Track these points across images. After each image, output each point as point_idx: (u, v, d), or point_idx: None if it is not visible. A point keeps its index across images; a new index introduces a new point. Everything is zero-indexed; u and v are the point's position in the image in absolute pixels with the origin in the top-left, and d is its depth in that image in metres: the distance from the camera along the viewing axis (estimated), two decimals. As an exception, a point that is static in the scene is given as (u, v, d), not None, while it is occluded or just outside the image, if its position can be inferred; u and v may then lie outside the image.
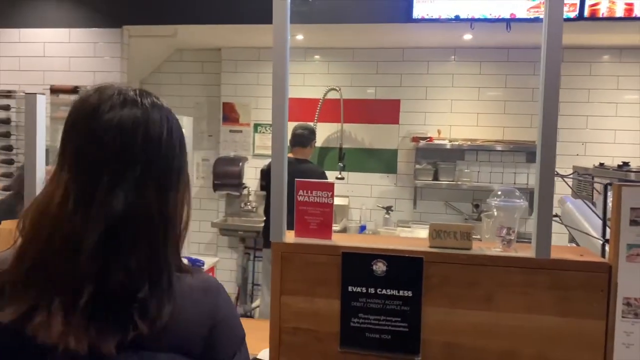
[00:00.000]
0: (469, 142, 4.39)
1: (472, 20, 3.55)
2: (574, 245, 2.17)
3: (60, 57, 4.21)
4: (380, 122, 4.65)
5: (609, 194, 1.45)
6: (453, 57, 4.55)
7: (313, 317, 1.43)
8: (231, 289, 4.73)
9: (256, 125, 4.86)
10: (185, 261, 0.87)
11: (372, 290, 1.39)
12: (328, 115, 4.64)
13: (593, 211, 1.97)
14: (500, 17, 3.50)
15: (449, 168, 4.44)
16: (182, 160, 0.85)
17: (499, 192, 1.46)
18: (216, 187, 4.64)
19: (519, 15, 3.48)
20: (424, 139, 4.42)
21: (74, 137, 0.79)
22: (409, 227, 4.40)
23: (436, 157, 4.51)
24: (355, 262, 1.40)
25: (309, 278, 1.43)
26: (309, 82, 4.71)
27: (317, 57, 4.75)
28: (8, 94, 4.21)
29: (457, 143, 4.38)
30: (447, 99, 4.55)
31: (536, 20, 3.39)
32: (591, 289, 1.31)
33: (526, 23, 3.48)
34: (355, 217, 4.69)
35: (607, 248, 1.42)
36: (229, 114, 4.89)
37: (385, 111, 4.64)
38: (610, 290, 1.30)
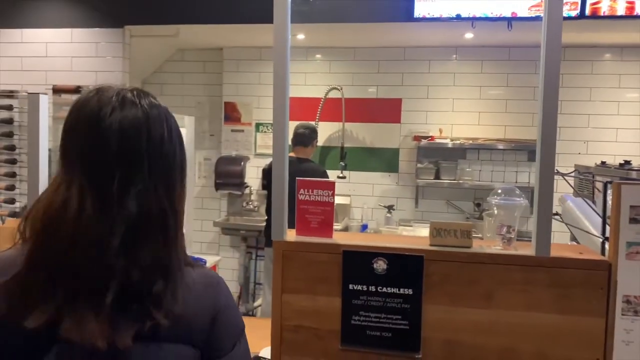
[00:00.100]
0: (470, 141, 4.40)
1: (473, 19, 3.55)
2: (574, 243, 2.18)
3: (63, 57, 4.23)
4: (382, 121, 4.66)
5: (609, 192, 1.45)
6: (454, 56, 4.55)
7: (314, 315, 1.44)
8: (233, 288, 4.74)
9: (258, 125, 4.87)
10: None
11: (372, 288, 1.40)
12: (329, 114, 4.65)
13: (593, 209, 1.98)
14: (501, 16, 3.50)
15: (450, 167, 4.44)
16: (183, 154, 0.88)
17: (500, 191, 1.46)
18: (218, 186, 4.66)
19: (520, 14, 3.48)
20: (425, 137, 4.43)
21: (77, 140, 0.81)
22: (411, 226, 4.40)
23: (438, 156, 4.51)
24: (356, 260, 1.41)
25: (310, 276, 1.44)
26: (311, 82, 4.72)
27: (318, 56, 4.75)
28: (11, 94, 4.22)
29: (458, 142, 4.38)
30: (449, 97, 4.55)
31: (537, 18, 3.39)
32: (591, 287, 1.32)
33: (527, 22, 3.48)
34: (357, 216, 4.70)
35: (606, 246, 1.43)
36: (231, 114, 4.90)
37: (386, 110, 4.64)
38: (610, 288, 1.31)
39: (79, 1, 4.18)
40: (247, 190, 4.78)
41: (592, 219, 1.94)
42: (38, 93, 1.72)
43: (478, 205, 4.43)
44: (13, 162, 4.21)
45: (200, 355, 0.85)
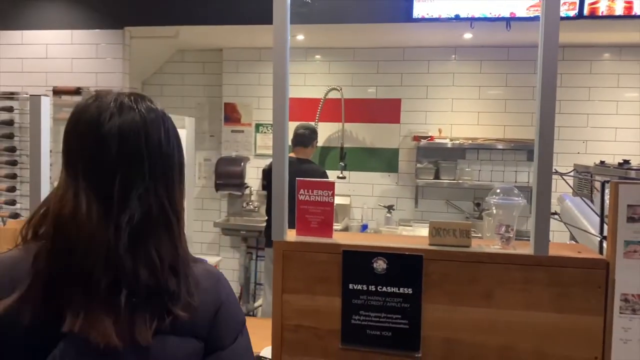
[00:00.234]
0: (470, 141, 4.40)
1: (472, 20, 3.56)
2: (573, 242, 2.18)
3: (63, 58, 4.24)
4: (381, 121, 4.67)
5: (607, 191, 1.46)
6: (453, 56, 4.56)
7: (314, 314, 1.45)
8: (234, 288, 4.69)
9: (258, 125, 4.88)
10: None
11: (372, 288, 1.41)
12: (329, 114, 4.66)
13: (591, 208, 1.99)
14: (500, 16, 3.51)
15: (450, 167, 4.45)
16: (181, 155, 0.91)
17: (498, 191, 1.47)
18: (218, 187, 4.66)
19: (518, 14, 3.49)
20: (425, 138, 4.43)
21: (78, 146, 0.84)
22: (411, 225, 4.41)
23: (437, 156, 4.52)
24: (356, 260, 1.42)
25: (310, 276, 1.45)
26: (310, 82, 4.73)
27: (317, 57, 4.76)
28: (11, 96, 4.23)
29: (458, 142, 4.39)
30: (448, 97, 4.56)
31: (536, 19, 3.38)
32: (589, 286, 1.33)
33: (526, 22, 3.49)
34: (357, 216, 4.71)
35: (604, 245, 1.44)
36: (231, 114, 4.91)
37: (386, 110, 4.65)
38: (607, 287, 1.32)
39: (79, 3, 4.19)
40: (247, 191, 4.79)
41: (590, 218, 1.95)
42: (40, 95, 1.73)
43: (478, 205, 4.44)
44: (14, 163, 4.22)
45: (204, 347, 0.88)
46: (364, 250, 1.42)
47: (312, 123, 4.33)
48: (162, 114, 0.89)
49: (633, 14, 3.39)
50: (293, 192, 1.49)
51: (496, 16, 3.51)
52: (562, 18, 3.42)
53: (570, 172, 2.61)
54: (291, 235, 1.51)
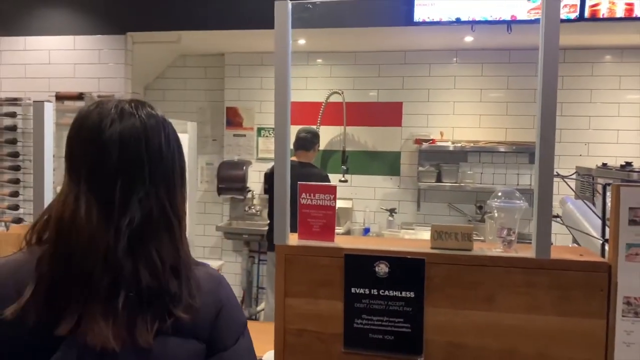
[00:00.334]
0: (471, 144, 4.40)
1: (473, 23, 3.56)
2: (575, 245, 2.18)
3: (65, 64, 4.26)
4: (383, 124, 4.67)
5: (608, 194, 1.46)
6: (455, 59, 4.57)
7: (317, 318, 1.45)
8: (236, 292, 4.73)
9: (260, 129, 4.89)
10: None
11: (374, 292, 1.41)
12: (331, 118, 4.67)
13: (593, 211, 1.98)
14: (500, 19, 3.52)
15: (452, 170, 4.45)
16: (182, 159, 0.93)
17: (500, 194, 1.47)
18: (220, 190, 4.67)
19: (519, 17, 3.49)
20: (426, 141, 4.44)
21: (80, 152, 0.85)
22: (413, 229, 4.41)
23: (439, 159, 4.52)
24: (358, 264, 1.42)
25: (312, 280, 1.45)
26: (312, 86, 4.74)
27: (319, 61, 4.78)
28: (14, 102, 4.25)
29: (459, 145, 4.39)
30: (449, 101, 4.56)
31: (536, 21, 3.37)
32: (591, 289, 1.33)
33: (527, 24, 3.49)
34: (359, 220, 4.71)
35: (606, 248, 1.44)
36: (233, 118, 4.93)
37: (387, 114, 4.66)
38: (610, 290, 1.32)
39: (82, 9, 4.21)
40: (249, 195, 4.80)
41: (592, 221, 1.95)
42: (43, 101, 1.73)
43: (480, 208, 4.43)
44: (17, 168, 4.24)
45: (206, 348, 0.88)
46: (366, 254, 1.42)
47: (314, 127, 4.34)
48: (162, 120, 0.90)
49: (634, 16, 3.39)
50: (295, 196, 1.49)
51: (497, 19, 3.51)
52: (563, 20, 3.42)
53: (572, 174, 2.60)
54: (293, 239, 1.51)
